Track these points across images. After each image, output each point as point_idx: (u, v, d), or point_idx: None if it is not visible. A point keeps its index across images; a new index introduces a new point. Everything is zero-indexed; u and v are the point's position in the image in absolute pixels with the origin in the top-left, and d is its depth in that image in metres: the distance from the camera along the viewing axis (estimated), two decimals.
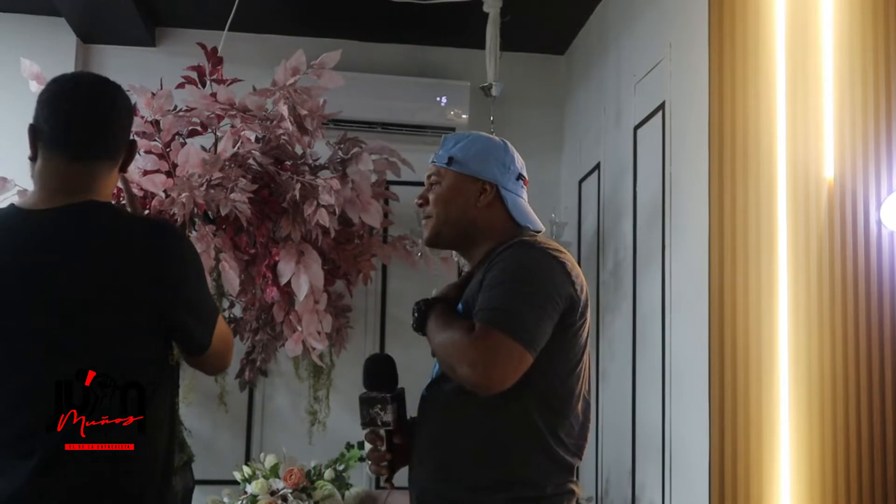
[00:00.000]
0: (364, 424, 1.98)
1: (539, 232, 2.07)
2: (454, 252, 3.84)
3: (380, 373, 2.00)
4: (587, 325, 1.94)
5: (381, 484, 2.09)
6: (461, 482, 1.85)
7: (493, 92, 4.04)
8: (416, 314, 1.93)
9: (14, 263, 1.74)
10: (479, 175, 2.03)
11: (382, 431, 1.97)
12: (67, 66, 4.45)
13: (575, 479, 1.92)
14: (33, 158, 1.84)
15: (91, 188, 1.82)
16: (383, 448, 1.98)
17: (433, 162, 2.08)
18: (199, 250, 3.31)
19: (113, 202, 1.90)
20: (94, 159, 1.83)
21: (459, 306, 1.95)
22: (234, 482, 3.84)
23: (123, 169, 1.92)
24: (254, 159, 3.59)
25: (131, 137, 1.94)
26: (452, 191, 2.04)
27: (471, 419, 1.87)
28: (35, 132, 1.83)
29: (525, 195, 2.09)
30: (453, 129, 4.45)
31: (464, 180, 2.03)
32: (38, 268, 1.73)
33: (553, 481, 1.86)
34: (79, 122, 1.83)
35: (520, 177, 2.08)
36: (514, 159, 2.08)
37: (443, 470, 1.90)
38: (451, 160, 2.05)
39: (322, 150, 3.94)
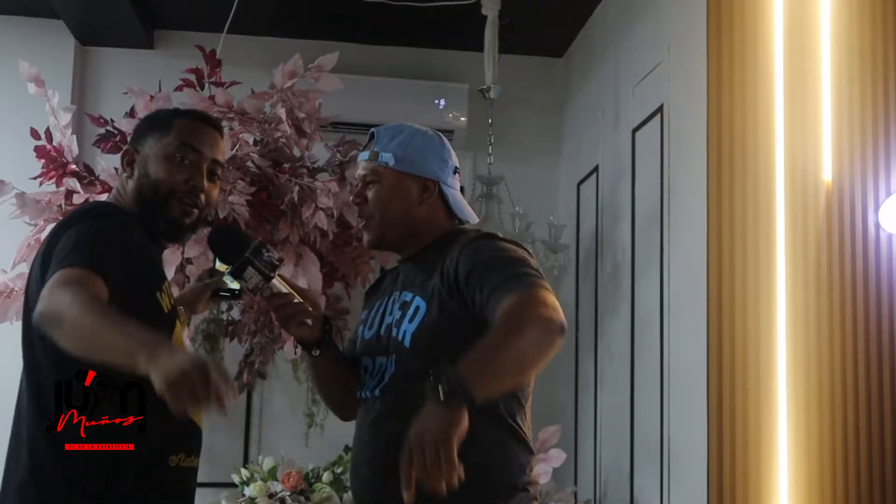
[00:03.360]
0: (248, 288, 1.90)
1: (477, 222, 2.09)
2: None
3: (228, 244, 1.93)
4: None
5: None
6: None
7: (492, 94, 4.04)
8: (446, 387, 1.54)
9: None
10: (420, 173, 1.98)
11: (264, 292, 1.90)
12: (66, 69, 4.45)
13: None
14: None
15: None
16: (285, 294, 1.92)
17: (368, 160, 2.00)
18: (196, 253, 3.33)
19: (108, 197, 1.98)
20: None
21: (421, 302, 1.89)
22: (233, 485, 3.83)
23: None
24: (252, 162, 3.59)
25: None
26: (394, 190, 1.97)
27: None
28: None
29: (458, 186, 2.06)
30: (452, 132, 4.44)
31: (405, 178, 1.97)
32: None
33: (528, 468, 1.85)
34: None
35: (456, 170, 2.04)
36: (450, 153, 2.03)
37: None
38: (390, 158, 1.97)
39: (320, 152, 3.94)
